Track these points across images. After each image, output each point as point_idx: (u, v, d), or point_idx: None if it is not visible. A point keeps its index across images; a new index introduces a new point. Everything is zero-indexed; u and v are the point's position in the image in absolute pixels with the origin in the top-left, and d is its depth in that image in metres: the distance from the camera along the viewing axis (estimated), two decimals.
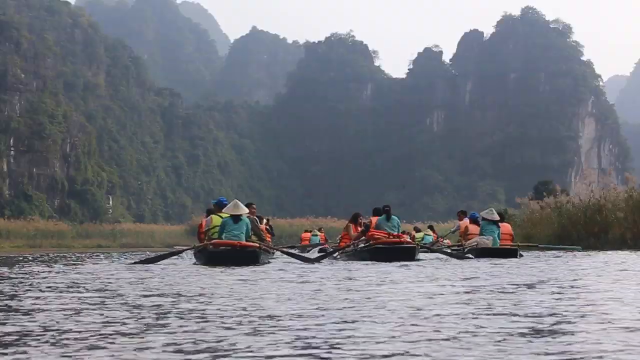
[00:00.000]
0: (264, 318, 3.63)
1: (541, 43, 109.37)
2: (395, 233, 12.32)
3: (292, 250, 13.85)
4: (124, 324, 3.42)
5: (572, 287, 5.61)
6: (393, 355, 2.55)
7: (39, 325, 3.38)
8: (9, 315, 3.87)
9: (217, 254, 9.95)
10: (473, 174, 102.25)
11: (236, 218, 10.42)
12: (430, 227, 25.16)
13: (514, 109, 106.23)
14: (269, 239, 13.79)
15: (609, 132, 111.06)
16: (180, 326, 3.33)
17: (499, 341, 2.82)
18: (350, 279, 6.78)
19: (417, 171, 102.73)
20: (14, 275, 7.75)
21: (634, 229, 18.77)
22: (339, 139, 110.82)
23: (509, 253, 12.59)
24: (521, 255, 12.69)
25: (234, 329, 3.23)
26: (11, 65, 66.36)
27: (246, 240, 10.29)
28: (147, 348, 2.73)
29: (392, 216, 12.48)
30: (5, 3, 79.62)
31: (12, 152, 63.92)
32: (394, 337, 2.95)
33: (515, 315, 3.67)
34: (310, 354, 2.58)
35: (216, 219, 10.93)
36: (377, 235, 12.13)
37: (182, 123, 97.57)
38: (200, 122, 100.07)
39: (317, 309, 4.03)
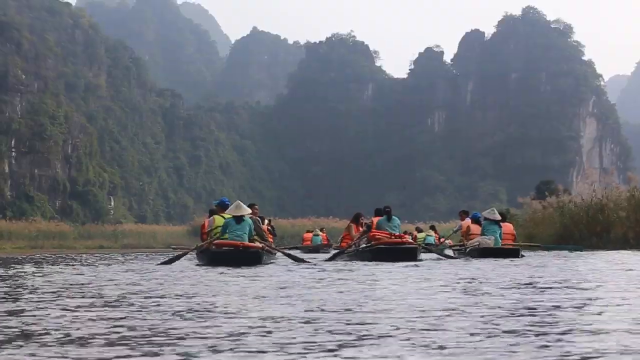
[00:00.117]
0: (266, 319, 3.63)
1: (542, 43, 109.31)
2: (397, 233, 12.34)
3: (291, 252, 13.85)
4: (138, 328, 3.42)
5: (573, 286, 5.60)
6: (394, 355, 2.55)
7: (54, 328, 3.38)
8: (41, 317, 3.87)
9: (220, 255, 9.96)
10: (474, 174, 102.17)
11: (238, 219, 10.42)
12: (432, 227, 25.19)
13: (515, 109, 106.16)
14: (271, 240, 13.81)
15: (610, 132, 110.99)
16: (181, 326, 3.33)
17: (500, 341, 2.82)
18: (352, 279, 6.77)
19: (418, 171, 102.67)
20: (32, 277, 7.75)
21: (637, 228, 18.77)
22: (339, 139, 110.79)
23: (511, 253, 12.59)
24: (522, 256, 12.70)
25: (233, 329, 3.23)
26: (12, 66, 66.39)
27: (249, 241, 10.30)
28: (154, 351, 2.73)
29: (393, 217, 12.52)
30: (6, 4, 79.67)
31: (13, 153, 63.92)
32: (394, 337, 2.95)
33: (516, 314, 3.67)
34: (311, 355, 2.59)
35: (219, 220, 10.94)
36: (379, 235, 12.14)
37: (184, 124, 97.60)
38: (201, 123, 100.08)
39: (318, 309, 4.03)
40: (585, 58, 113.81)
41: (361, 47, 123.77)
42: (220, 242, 10.23)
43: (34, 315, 3.85)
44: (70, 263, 13.03)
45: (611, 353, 2.55)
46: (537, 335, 2.98)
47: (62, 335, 3.09)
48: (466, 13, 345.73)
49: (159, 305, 4.38)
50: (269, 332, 3.12)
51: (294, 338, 2.93)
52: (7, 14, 73.96)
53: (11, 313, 4.01)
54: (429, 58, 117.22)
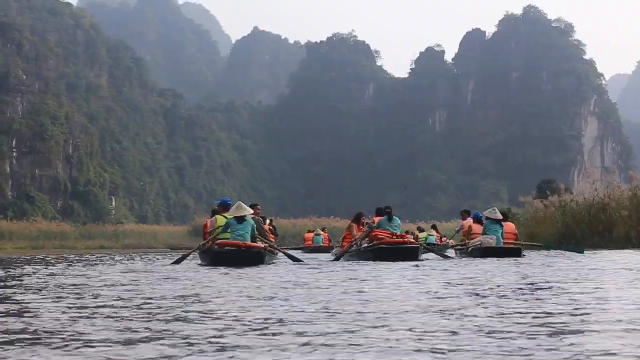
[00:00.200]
0: (269, 319, 3.62)
1: (543, 42, 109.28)
2: (398, 233, 12.36)
3: (291, 252, 13.83)
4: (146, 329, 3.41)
5: (575, 286, 5.59)
6: (396, 356, 2.54)
7: (60, 328, 3.37)
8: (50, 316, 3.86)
9: (222, 255, 9.94)
10: (475, 174, 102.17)
11: (240, 218, 10.40)
12: (434, 227, 25.20)
13: (516, 108, 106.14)
14: (273, 240, 13.80)
15: (611, 130, 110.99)
16: (182, 327, 3.32)
17: (503, 342, 2.80)
18: (354, 279, 6.76)
19: (419, 171, 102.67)
20: (37, 277, 7.74)
21: (639, 227, 18.74)
22: (340, 139, 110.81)
23: (513, 252, 12.58)
24: (524, 255, 12.69)
25: (235, 329, 3.22)
26: (13, 67, 66.47)
27: (251, 241, 10.28)
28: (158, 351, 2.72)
29: (394, 217, 12.55)
30: (7, 4, 79.80)
31: (14, 154, 63.99)
32: (395, 338, 2.94)
33: (517, 314, 3.65)
34: (312, 355, 2.57)
35: (221, 219, 10.93)
36: (381, 235, 12.15)
37: (185, 124, 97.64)
38: (202, 123, 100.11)
39: (321, 309, 4.02)
40: (586, 57, 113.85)
41: (362, 47, 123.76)
42: (222, 242, 10.21)
43: (35, 316, 3.84)
44: (71, 263, 13.03)
45: (614, 353, 2.54)
46: (540, 335, 2.97)
47: (62, 336, 3.08)
48: (467, 12, 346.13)
49: (159, 306, 4.36)
50: (271, 333, 3.11)
51: (295, 338, 2.92)
52: (8, 15, 74.06)
53: (12, 313, 4.00)
54: (430, 57, 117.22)
